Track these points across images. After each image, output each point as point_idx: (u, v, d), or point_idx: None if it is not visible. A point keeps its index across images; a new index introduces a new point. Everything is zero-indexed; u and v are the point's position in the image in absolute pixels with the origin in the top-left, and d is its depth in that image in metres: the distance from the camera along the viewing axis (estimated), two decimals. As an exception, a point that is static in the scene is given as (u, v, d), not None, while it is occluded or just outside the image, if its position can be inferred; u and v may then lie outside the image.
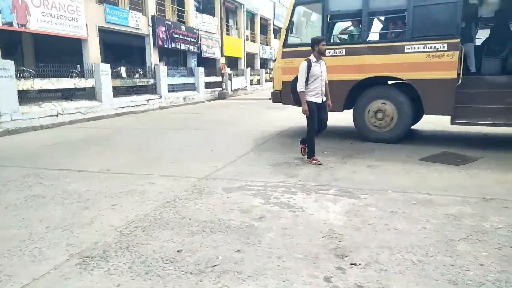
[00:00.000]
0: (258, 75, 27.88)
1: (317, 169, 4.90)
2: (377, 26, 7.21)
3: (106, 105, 12.09)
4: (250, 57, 28.62)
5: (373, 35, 6.79)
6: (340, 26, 7.49)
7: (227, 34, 24.44)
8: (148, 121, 10.71)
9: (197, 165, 5.17)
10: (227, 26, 25.00)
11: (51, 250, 2.72)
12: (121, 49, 17.58)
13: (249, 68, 25.33)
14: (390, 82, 6.74)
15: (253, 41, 29.00)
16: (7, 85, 8.81)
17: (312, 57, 5.15)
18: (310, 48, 6.77)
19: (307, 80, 5.10)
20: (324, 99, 5.28)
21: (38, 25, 10.33)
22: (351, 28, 6.92)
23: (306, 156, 5.38)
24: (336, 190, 4.01)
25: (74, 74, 11.79)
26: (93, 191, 4.09)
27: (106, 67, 12.12)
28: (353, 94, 6.54)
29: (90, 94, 12.07)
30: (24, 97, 9.77)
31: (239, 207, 3.55)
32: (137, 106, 13.65)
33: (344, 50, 6.44)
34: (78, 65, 11.66)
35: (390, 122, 6.32)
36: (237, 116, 11.45)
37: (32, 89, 9.96)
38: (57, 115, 10.31)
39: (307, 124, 5.29)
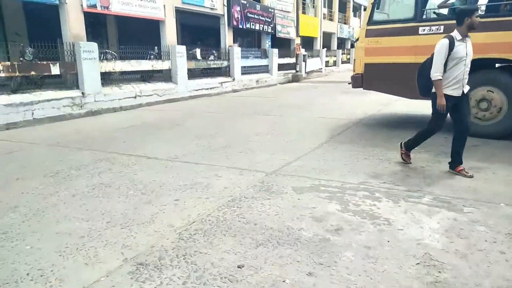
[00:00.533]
0: (335, 56, 26.53)
1: (405, 168, 4.19)
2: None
3: (181, 87, 12.25)
4: (327, 36, 27.31)
5: (481, 8, 5.65)
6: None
7: (303, 12, 23.45)
8: (220, 105, 10.59)
9: (266, 157, 4.78)
10: (304, 4, 23.98)
11: (106, 252, 2.53)
12: (197, 30, 17.79)
13: (325, 49, 24.18)
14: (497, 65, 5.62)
15: (331, 19, 27.56)
16: (91, 67, 9.24)
17: (456, 34, 3.82)
18: (400, 25, 5.94)
19: (445, 65, 3.83)
20: (466, 89, 3.98)
21: (119, 7, 10.66)
22: (453, 0, 5.85)
23: (405, 161, 4.41)
24: (431, 199, 3.32)
25: (152, 56, 12.11)
26: (158, 182, 3.91)
27: (182, 49, 12.22)
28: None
29: (166, 76, 12.31)
30: (107, 78, 10.22)
31: (311, 213, 3.08)
32: (210, 88, 13.68)
33: (442, 27, 5.45)
34: (156, 47, 11.91)
35: (498, 114, 5.25)
36: (311, 100, 10.82)
37: (114, 71, 10.37)
38: (135, 97, 10.65)
39: (429, 122, 4.19)
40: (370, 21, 6.09)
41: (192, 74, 13.54)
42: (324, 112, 8.45)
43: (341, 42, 30.83)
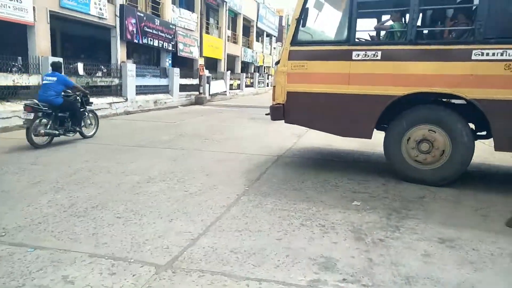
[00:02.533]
0: (239, 79, 25.90)
1: (362, 246, 2.95)
2: (429, 20, 5.40)
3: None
4: (231, 59, 26.64)
5: (423, 34, 4.96)
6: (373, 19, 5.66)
7: (207, 32, 22.36)
8: (103, 132, 8.50)
9: (158, 228, 3.13)
10: (207, 24, 22.93)
11: None
12: (83, 42, 15.19)
13: (229, 72, 23.34)
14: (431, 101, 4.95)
15: (235, 42, 27.03)
16: None
17: None
18: (330, 47, 4.95)
19: None
20: None
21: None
22: (391, 22, 5.09)
23: None
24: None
25: (15, 69, 9.45)
26: None
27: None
28: (387, 113, 4.69)
29: (35, 93, 9.72)
30: None
31: None
32: (96, 110, 11.33)
33: (380, 53, 4.58)
34: (20, 58, 9.31)
35: (440, 157, 4.49)
36: (217, 128, 9.43)
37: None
38: (-17, 120, 7.95)
39: None
40: (294, 41, 4.98)
41: (73, 92, 11.10)
42: (235, 145, 7.10)
43: (245, 66, 30.56)
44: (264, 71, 35.98)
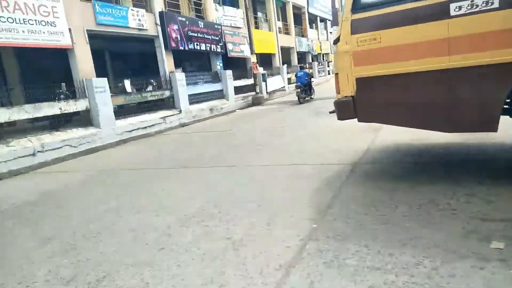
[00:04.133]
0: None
1: None
2: None
3: (106, 131, 9.31)
4: (285, 52, 25.21)
5: None
6: None
7: (256, 27, 21.22)
8: (153, 150, 7.72)
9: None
10: (255, 18, 21.78)
11: None
12: (130, 58, 14.95)
13: (285, 65, 21.96)
14: None
15: (287, 33, 25.54)
16: None
17: None
18: (414, 4, 3.40)
19: None
20: None
21: (-2, 35, 7.67)
22: None
23: None
24: None
25: (62, 96, 9.16)
26: None
27: (101, 82, 9.34)
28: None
29: (84, 119, 9.37)
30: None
31: None
32: (150, 126, 10.80)
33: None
34: (63, 84, 8.97)
35: None
36: (276, 131, 8.17)
37: (-2, 122, 7.35)
38: (34, 154, 7.61)
39: None
40: (358, 4, 3.53)
41: (124, 111, 10.68)
42: (296, 151, 5.78)
43: (301, 57, 28.92)
44: (323, 59, 33.91)
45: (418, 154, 4.82)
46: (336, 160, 4.98)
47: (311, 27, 30.69)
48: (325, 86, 23.85)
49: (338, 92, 3.80)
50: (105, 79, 9.47)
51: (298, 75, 14.66)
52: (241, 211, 3.50)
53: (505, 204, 2.89)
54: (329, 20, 36.61)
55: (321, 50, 32.64)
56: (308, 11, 28.90)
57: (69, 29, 9.10)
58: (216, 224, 3.28)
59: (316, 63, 28.55)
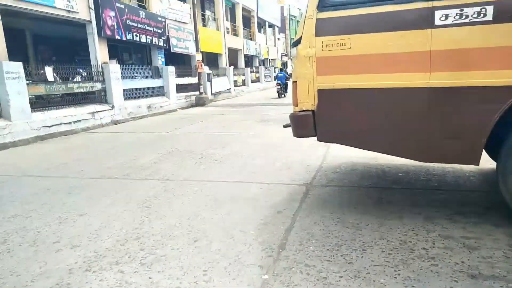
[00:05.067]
0: (243, 74, 23.83)
1: None
2: None
3: (19, 125, 7.89)
4: (233, 53, 24.57)
5: None
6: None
7: (203, 25, 20.32)
8: (71, 153, 6.54)
9: None
10: (203, 16, 20.86)
11: None
12: (58, 44, 13.26)
13: (232, 67, 21.29)
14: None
15: (235, 34, 24.92)
16: None
17: None
18: (392, 7, 2.87)
19: None
20: None
21: None
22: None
23: None
24: None
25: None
26: None
27: (15, 67, 7.91)
28: (506, 122, 2.65)
29: (-8, 109, 7.85)
30: None
31: None
32: (75, 122, 9.46)
33: (491, 9, 2.50)
34: (-37, 65, 7.40)
35: None
36: (219, 137, 7.43)
37: None
38: None
39: None
40: (326, 2, 2.93)
41: (45, 103, 9.23)
42: (241, 166, 5.10)
43: (249, 60, 28.46)
44: (269, 64, 33.82)
45: (376, 177, 4.37)
46: (287, 179, 4.38)
47: (259, 31, 30.42)
48: (273, 91, 23.63)
49: (295, 104, 3.18)
50: (20, 63, 8.05)
51: (279, 75, 18.30)
52: (170, 249, 2.71)
53: (490, 253, 2.45)
54: (277, 27, 36.69)
55: (268, 55, 32.51)
56: (257, 15, 28.56)
57: (-24, 0, 7.56)
58: (134, 269, 2.46)
59: (263, 67, 28.28)
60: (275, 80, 20.87)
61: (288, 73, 20.46)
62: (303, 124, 3.09)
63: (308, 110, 3.06)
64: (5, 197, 4.13)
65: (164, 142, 7.27)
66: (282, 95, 17.72)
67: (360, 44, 2.86)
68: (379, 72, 2.84)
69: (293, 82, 3.19)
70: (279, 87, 17.68)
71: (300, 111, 3.09)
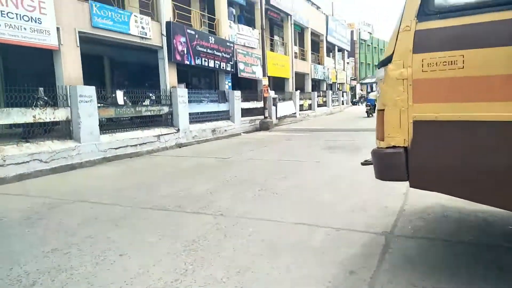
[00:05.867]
0: (310, 98, 23.26)
1: None
2: None
3: (87, 146, 8.07)
4: (300, 77, 24.18)
5: None
6: None
7: (272, 50, 20.26)
8: (131, 177, 6.40)
9: None
10: (271, 40, 20.86)
11: None
12: (131, 68, 13.89)
13: (298, 91, 20.84)
14: None
15: (303, 59, 24.58)
16: None
17: None
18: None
19: None
20: None
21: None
22: None
23: None
24: None
25: (40, 102, 7.97)
26: None
27: (88, 91, 8.17)
28: None
29: (65, 130, 8.15)
30: None
31: None
32: (140, 145, 9.56)
33: None
34: (41, 88, 7.80)
35: None
36: (281, 166, 6.84)
37: None
38: (-10, 169, 6.37)
39: None
40: (429, 8, 2.24)
41: (113, 126, 9.47)
42: (305, 203, 4.43)
43: (316, 84, 27.88)
44: (337, 88, 32.88)
45: (476, 228, 3.43)
46: (360, 224, 3.61)
47: (328, 55, 29.82)
48: (340, 116, 22.68)
49: (380, 137, 2.47)
50: (93, 87, 8.31)
51: (370, 98, 21.13)
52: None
53: None
54: (346, 51, 35.80)
55: (336, 79, 31.65)
56: (326, 39, 28.05)
57: (57, 28, 8.01)
58: None
59: (330, 91, 27.47)
60: (365, 101, 25.26)
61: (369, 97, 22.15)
62: (391, 165, 2.38)
63: (398, 146, 2.34)
64: (52, 226, 3.92)
65: (224, 169, 6.86)
66: (371, 115, 19.98)
67: (477, 61, 2.09)
68: (505, 100, 2.03)
69: (379, 110, 2.50)
70: (369, 108, 20.41)
71: (387, 148, 2.38)
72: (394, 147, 2.36)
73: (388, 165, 2.42)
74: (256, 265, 2.81)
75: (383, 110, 2.41)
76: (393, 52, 2.32)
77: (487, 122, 2.08)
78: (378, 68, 2.57)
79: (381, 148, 2.44)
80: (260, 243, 3.24)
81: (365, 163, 2.95)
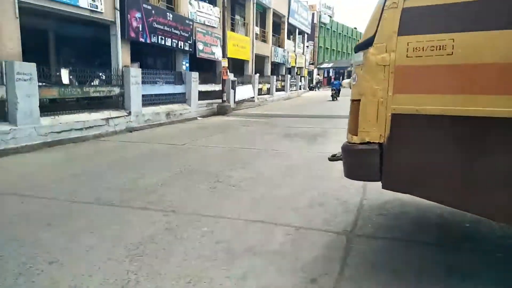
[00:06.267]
0: (268, 83, 23.01)
1: None
2: None
3: (25, 129, 7.28)
4: (260, 60, 23.80)
5: None
6: None
7: (232, 30, 19.65)
8: (73, 165, 5.82)
9: None
10: (233, 20, 20.21)
11: None
12: (80, 45, 12.80)
13: (257, 75, 20.50)
14: None
15: (264, 41, 24.15)
16: None
17: None
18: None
19: None
20: None
21: None
22: None
23: None
24: None
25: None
26: None
27: (26, 68, 7.32)
28: None
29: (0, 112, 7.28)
30: None
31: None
32: (86, 129, 8.82)
33: None
34: (-32, 63, 6.87)
35: None
36: (238, 155, 6.56)
37: None
38: None
39: None
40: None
41: (57, 107, 8.64)
42: (262, 196, 4.19)
43: (275, 68, 27.63)
44: (296, 73, 32.90)
45: (435, 227, 3.37)
46: (320, 221, 3.44)
47: (288, 38, 29.58)
48: (298, 101, 22.74)
49: (353, 131, 2.24)
50: (33, 64, 7.46)
51: (334, 83, 23.84)
52: None
53: None
54: (307, 34, 35.78)
55: (295, 63, 31.62)
56: (288, 21, 27.75)
57: (-10, -4, 7.04)
58: None
59: (289, 76, 27.40)
60: (330, 86, 26.32)
61: (342, 82, 24.25)
62: (363, 162, 2.16)
63: (373, 142, 2.11)
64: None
65: (177, 157, 6.46)
66: (335, 99, 22.27)
67: (470, 47, 1.87)
68: (503, 93, 1.84)
69: (353, 100, 2.25)
70: (334, 92, 22.53)
71: (360, 144, 2.15)
72: (368, 143, 2.13)
73: (359, 163, 2.21)
74: (210, 273, 2.53)
75: (359, 100, 2.16)
76: (374, 34, 2.06)
77: (479, 118, 1.87)
78: (355, 52, 2.30)
79: (354, 143, 2.21)
80: (214, 246, 2.96)
81: (333, 158, 2.73)
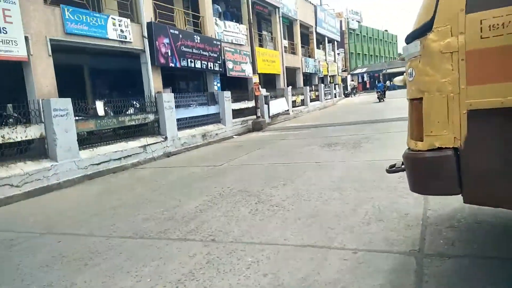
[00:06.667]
0: (302, 94, 22.60)
1: None
2: None
3: (65, 164, 7.37)
4: (291, 72, 23.50)
5: None
6: None
7: (260, 45, 19.57)
8: (111, 198, 5.71)
9: None
10: (260, 36, 20.16)
11: None
12: (113, 76, 13.14)
13: (290, 87, 20.18)
14: None
15: (293, 53, 23.89)
16: None
17: None
18: None
19: None
20: None
21: None
22: None
23: None
24: None
25: (11, 120, 7.27)
26: None
27: (62, 104, 7.46)
28: None
29: (39, 149, 7.43)
30: None
31: None
32: (125, 158, 8.85)
33: None
34: (9, 105, 7.08)
35: None
36: (278, 171, 6.18)
37: None
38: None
39: None
40: None
41: (94, 139, 8.76)
42: (312, 216, 3.77)
43: (307, 78, 27.22)
44: (329, 81, 32.26)
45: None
46: (381, 240, 2.97)
47: (318, 47, 29.17)
48: (333, 110, 22.15)
49: (416, 137, 1.82)
50: (68, 99, 7.60)
51: (378, 85, 25.46)
52: None
53: None
54: (336, 41, 35.18)
55: (327, 71, 31.03)
56: (316, 31, 27.40)
57: (26, 37, 7.27)
58: None
59: (322, 85, 26.85)
60: (375, 89, 27.19)
61: (385, 85, 25.96)
62: (434, 174, 1.73)
63: (445, 148, 1.69)
64: (8, 273, 3.23)
65: (215, 179, 6.19)
66: (382, 100, 23.62)
67: None
68: None
69: (412, 100, 1.84)
70: (379, 93, 24.03)
71: (428, 150, 1.73)
72: (439, 149, 1.70)
73: (430, 173, 1.77)
74: (257, 316, 2.16)
75: (421, 99, 1.74)
76: (433, 16, 1.66)
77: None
78: (407, 43, 1.90)
79: (419, 151, 1.78)
80: (262, 280, 2.59)
81: (391, 170, 2.29)
